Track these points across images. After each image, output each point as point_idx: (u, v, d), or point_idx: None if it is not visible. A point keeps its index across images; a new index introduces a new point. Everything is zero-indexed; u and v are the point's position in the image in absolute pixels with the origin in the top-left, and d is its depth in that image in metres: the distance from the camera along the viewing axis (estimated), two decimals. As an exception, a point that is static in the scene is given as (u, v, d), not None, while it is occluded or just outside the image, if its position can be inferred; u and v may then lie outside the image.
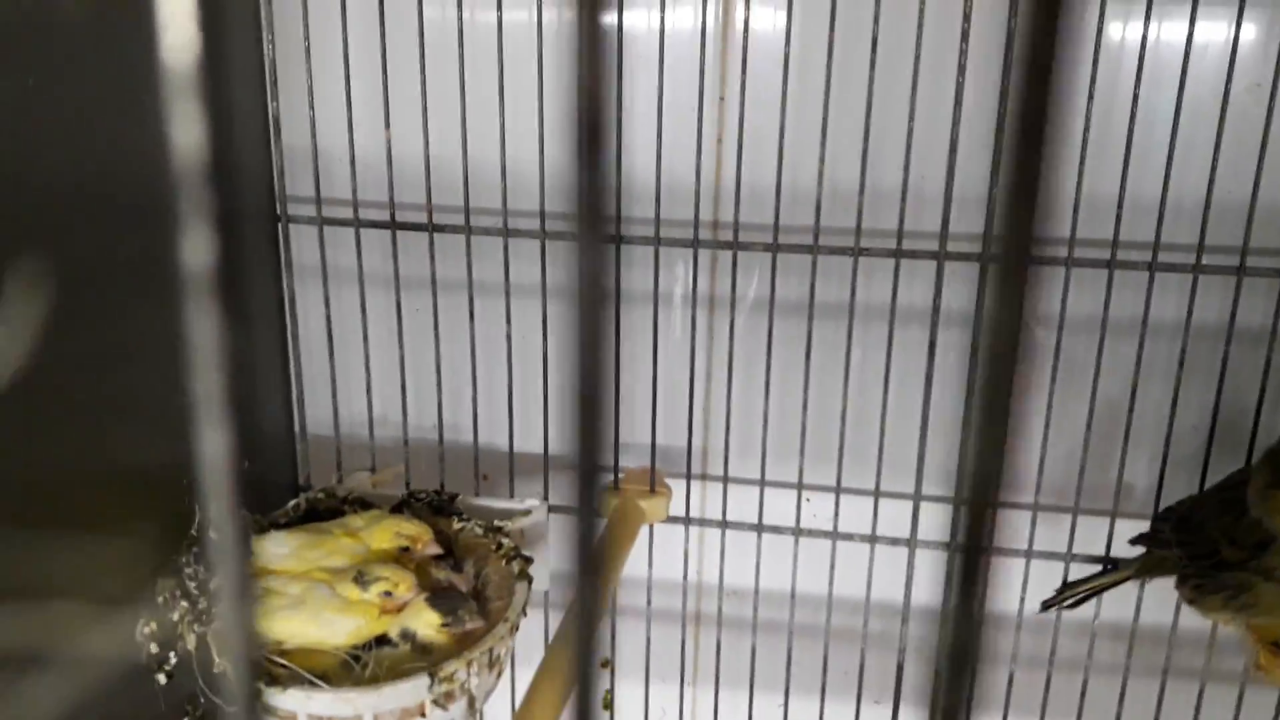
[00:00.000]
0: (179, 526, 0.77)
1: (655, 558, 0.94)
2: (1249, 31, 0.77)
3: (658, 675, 0.98)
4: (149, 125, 0.68)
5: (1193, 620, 0.80)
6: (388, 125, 0.85)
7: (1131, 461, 0.84)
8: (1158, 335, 0.83)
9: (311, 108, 0.86)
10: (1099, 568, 0.85)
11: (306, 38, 0.85)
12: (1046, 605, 0.83)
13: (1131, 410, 0.82)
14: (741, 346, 0.89)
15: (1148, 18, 0.77)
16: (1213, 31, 0.78)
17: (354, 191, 0.88)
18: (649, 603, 0.95)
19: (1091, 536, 0.86)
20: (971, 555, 0.15)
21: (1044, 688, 0.90)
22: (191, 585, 0.73)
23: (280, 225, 0.90)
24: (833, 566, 0.90)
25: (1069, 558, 0.87)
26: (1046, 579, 0.87)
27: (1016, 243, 0.14)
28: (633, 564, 0.92)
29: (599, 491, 0.25)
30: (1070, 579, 0.86)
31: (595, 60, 0.16)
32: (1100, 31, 0.77)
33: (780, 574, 0.92)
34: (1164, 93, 0.78)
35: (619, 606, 0.98)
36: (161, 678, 0.72)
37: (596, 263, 0.20)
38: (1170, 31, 0.78)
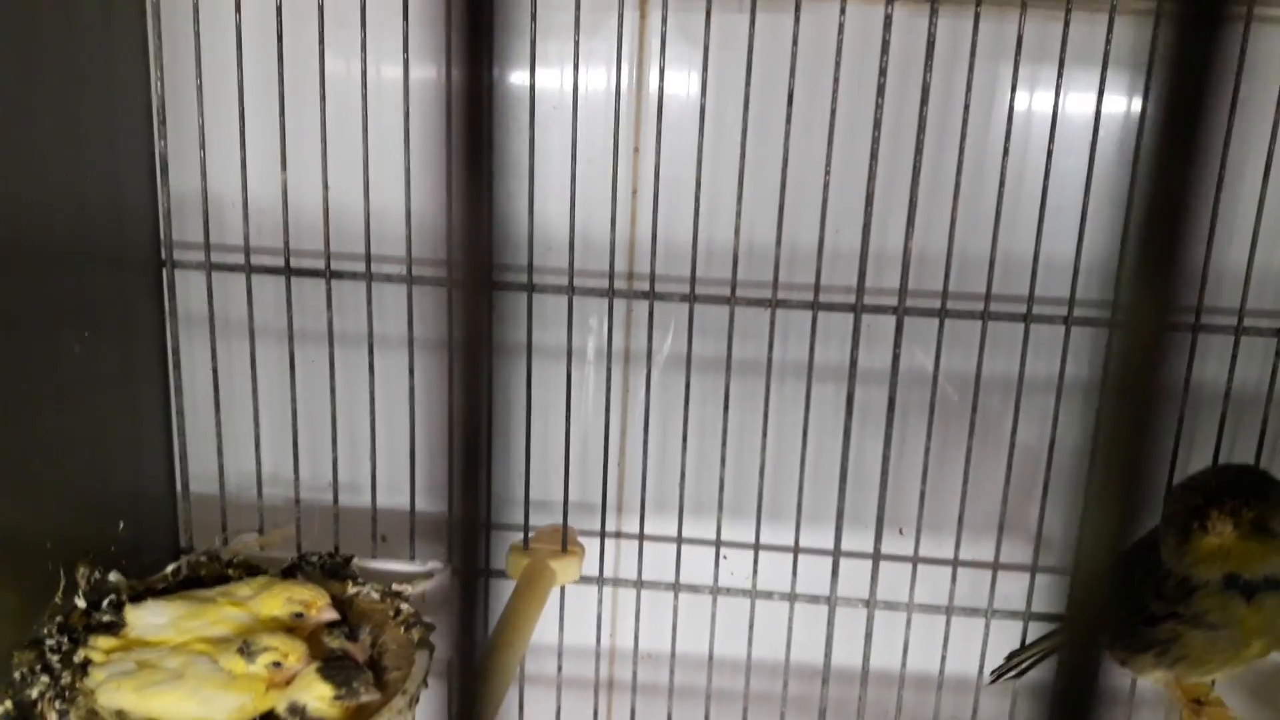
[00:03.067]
0: (41, 594, 0.70)
1: (566, 621, 0.90)
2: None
3: (568, 747, 0.93)
4: None
5: (1111, 676, 0.79)
6: (284, 166, 0.81)
7: (1050, 515, 0.83)
8: (1073, 389, 0.83)
9: (202, 148, 0.81)
10: (1020, 623, 0.84)
11: (199, 75, 0.81)
12: (997, 676, 0.82)
13: (1049, 466, 0.81)
14: (657, 400, 0.86)
15: (1014, 86, 0.78)
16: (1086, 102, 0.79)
17: (245, 236, 0.83)
18: (559, 669, 0.91)
19: (1012, 592, 0.85)
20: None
21: (965, 750, 0.88)
22: (54, 659, 0.66)
23: (166, 270, 0.84)
24: (751, 626, 0.87)
25: (990, 614, 0.85)
26: (969, 635, 0.86)
27: (1151, 308, 0.12)
28: (542, 628, 0.87)
29: (480, 549, 0.23)
30: (990, 635, 0.85)
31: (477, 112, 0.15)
32: (1012, 98, 0.78)
33: (698, 636, 0.89)
34: (1033, 158, 0.78)
35: (527, 674, 0.93)
36: (18, 764, 0.65)
37: (477, 309, 0.18)
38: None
